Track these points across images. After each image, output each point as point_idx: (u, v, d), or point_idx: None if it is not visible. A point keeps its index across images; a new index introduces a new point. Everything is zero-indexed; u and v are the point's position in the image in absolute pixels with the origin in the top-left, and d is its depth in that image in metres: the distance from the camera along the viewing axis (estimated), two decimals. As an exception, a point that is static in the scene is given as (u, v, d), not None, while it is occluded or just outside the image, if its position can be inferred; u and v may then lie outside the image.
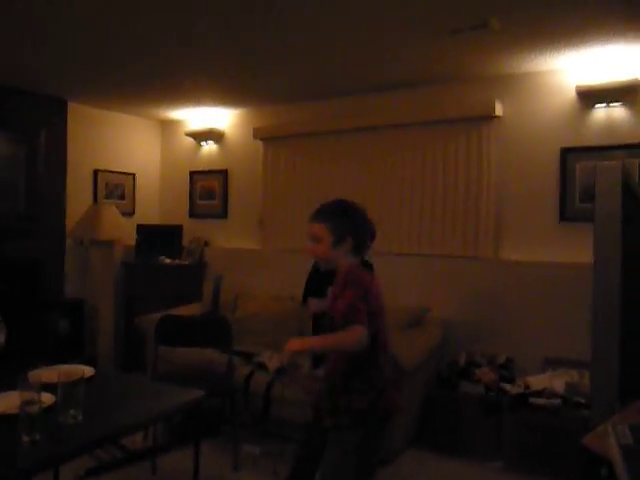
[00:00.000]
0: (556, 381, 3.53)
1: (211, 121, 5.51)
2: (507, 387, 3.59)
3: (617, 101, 3.69)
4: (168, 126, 5.94)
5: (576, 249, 3.76)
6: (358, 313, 1.98)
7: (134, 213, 5.69)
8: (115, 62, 3.95)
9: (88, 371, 2.45)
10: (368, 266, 3.38)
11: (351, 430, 2.09)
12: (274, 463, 3.40)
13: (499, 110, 4.06)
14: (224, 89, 4.69)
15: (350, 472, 2.09)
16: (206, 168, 5.64)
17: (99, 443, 2.18)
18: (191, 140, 5.69)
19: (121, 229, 5.01)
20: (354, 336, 1.95)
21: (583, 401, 3.30)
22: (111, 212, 4.96)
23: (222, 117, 5.50)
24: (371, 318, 2.02)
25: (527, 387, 3.55)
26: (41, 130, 4.84)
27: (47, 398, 2.05)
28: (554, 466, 3.25)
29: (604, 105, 3.74)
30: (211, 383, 3.54)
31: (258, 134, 5.14)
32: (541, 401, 3.42)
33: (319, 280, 3.18)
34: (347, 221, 2.17)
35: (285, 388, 3.68)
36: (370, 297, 2.08)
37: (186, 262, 5.40)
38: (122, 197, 5.61)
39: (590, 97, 3.74)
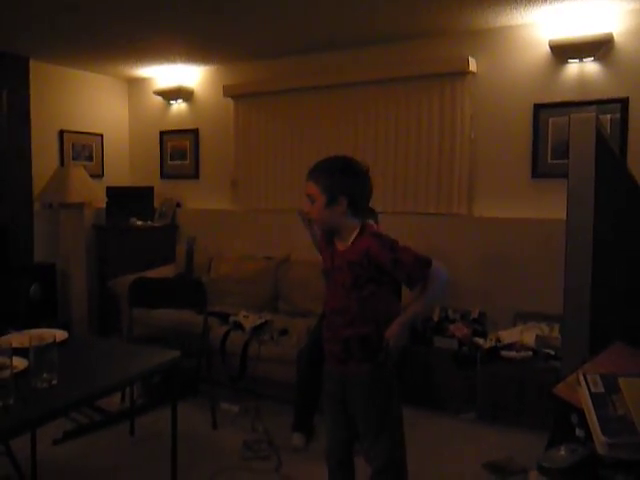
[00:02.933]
0: (527, 334, 3.62)
1: (180, 79, 5.35)
2: (480, 341, 3.66)
3: (590, 56, 3.67)
4: (135, 84, 5.76)
5: (548, 205, 3.80)
6: (421, 256, 1.99)
7: (103, 175, 5.56)
8: (78, 18, 3.77)
9: (60, 335, 2.42)
10: (372, 213, 3.17)
11: (387, 367, 2.08)
12: (252, 420, 3.45)
13: (473, 66, 4.02)
14: (192, 45, 4.54)
15: (397, 405, 2.14)
16: (176, 127, 5.51)
17: (75, 406, 2.17)
18: (160, 99, 5.53)
19: (90, 191, 4.90)
20: (441, 277, 1.99)
21: (553, 353, 3.40)
22: (79, 174, 4.84)
23: (191, 74, 5.35)
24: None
25: (499, 341, 3.63)
26: (2, 90, 4.65)
27: (19, 363, 2.02)
28: (525, 416, 3.36)
29: (577, 60, 3.73)
30: (187, 344, 3.54)
31: (228, 92, 5.02)
32: (512, 354, 3.51)
33: None
34: (343, 180, 1.97)
35: (262, 346, 3.71)
36: None
37: (158, 224, 5.33)
38: (90, 158, 5.46)
39: (563, 52, 3.72)
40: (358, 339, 2.04)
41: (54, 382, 1.98)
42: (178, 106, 5.49)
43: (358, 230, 2.03)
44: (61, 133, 5.20)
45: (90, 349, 2.60)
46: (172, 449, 2.52)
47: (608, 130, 3.57)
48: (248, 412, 3.59)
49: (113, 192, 5.33)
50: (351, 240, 2.03)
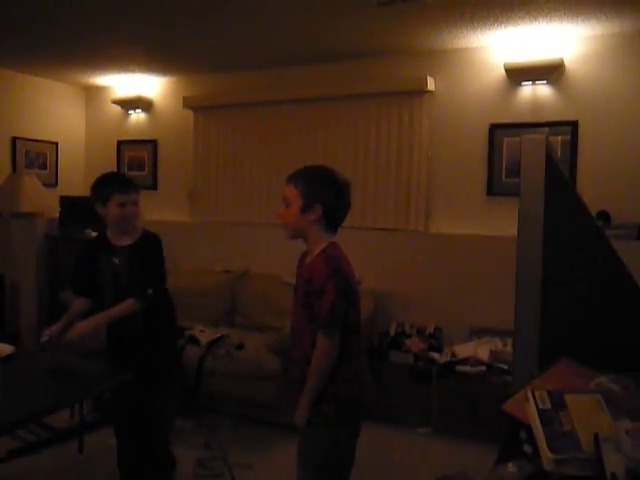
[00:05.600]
0: (481, 349, 3.68)
1: (139, 88, 5.29)
2: (435, 356, 3.70)
3: (543, 79, 3.79)
4: (93, 93, 5.66)
5: (502, 222, 3.88)
6: (335, 319, 1.83)
7: (57, 184, 5.42)
8: (31, 21, 3.69)
9: (6, 349, 2.34)
10: None
11: (335, 425, 1.94)
12: (206, 437, 3.39)
13: (431, 85, 4.10)
14: (151, 56, 4.49)
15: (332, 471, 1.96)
16: (134, 138, 5.43)
17: (19, 423, 2.09)
18: (118, 108, 5.45)
19: (43, 201, 4.77)
20: (323, 364, 1.85)
21: (506, 368, 3.45)
22: (32, 183, 4.71)
23: (151, 85, 5.29)
24: (349, 309, 1.90)
25: (454, 355, 3.68)
26: (-48, 94, 4.51)
27: (-39, 378, 1.95)
28: (479, 429, 3.39)
29: (530, 83, 3.85)
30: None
31: (188, 103, 4.98)
32: (467, 368, 3.56)
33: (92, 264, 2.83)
34: (322, 188, 1.90)
35: (217, 361, 3.66)
36: (352, 286, 1.90)
37: (114, 235, 5.21)
38: (44, 167, 5.32)
39: (517, 74, 3.83)
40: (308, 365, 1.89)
41: (-2, 399, 1.91)
42: (137, 116, 5.42)
43: (323, 247, 1.92)
44: (14, 140, 5.05)
45: (37, 364, 2.52)
46: (122, 467, 2.45)
47: (559, 152, 3.68)
48: (202, 428, 3.52)
49: (67, 202, 5.19)
50: (314, 256, 1.93)
